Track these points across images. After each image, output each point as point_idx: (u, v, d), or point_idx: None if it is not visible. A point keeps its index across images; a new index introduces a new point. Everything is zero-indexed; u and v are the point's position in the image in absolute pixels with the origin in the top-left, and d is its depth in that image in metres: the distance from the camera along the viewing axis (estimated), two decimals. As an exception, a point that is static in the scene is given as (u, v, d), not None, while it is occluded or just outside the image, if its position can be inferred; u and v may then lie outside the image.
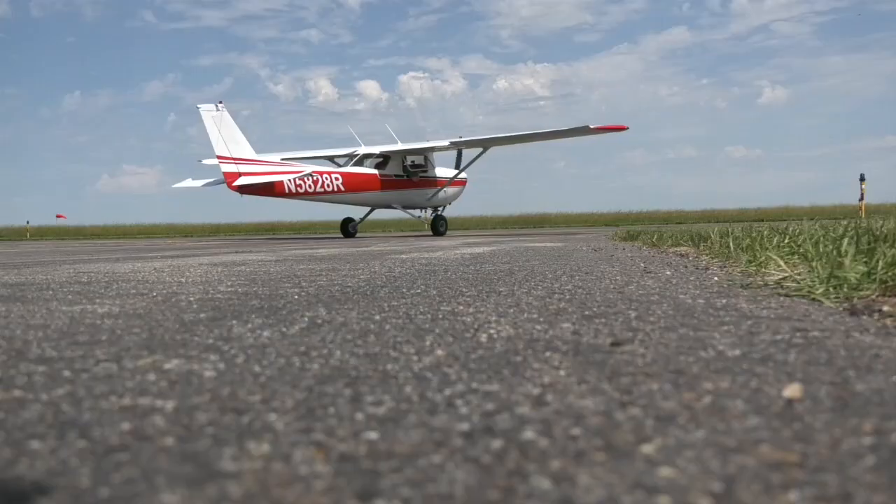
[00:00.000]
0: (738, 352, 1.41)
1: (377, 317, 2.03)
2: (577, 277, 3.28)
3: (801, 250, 3.13)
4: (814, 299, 2.16)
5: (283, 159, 17.30)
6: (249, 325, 1.90)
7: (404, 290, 2.84)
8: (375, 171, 17.19)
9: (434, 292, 2.72)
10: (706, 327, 1.72)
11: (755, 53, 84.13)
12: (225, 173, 15.91)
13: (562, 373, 1.25)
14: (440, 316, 2.03)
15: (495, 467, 0.79)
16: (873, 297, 2.07)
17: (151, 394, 1.15)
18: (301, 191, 16.35)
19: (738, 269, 3.32)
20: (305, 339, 1.66)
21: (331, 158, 18.20)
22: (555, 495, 0.71)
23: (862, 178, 21.18)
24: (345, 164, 17.54)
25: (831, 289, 2.20)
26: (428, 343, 1.58)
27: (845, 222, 4.74)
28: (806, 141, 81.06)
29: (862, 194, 20.95)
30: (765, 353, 1.38)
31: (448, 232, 18.40)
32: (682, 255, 4.92)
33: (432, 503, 0.70)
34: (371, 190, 17.08)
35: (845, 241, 2.85)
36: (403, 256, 5.83)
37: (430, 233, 17.27)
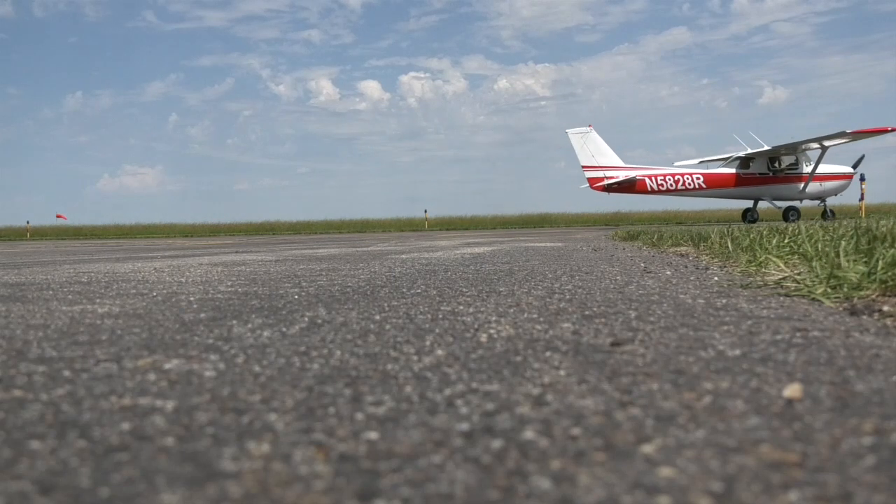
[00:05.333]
0: (738, 352, 1.41)
1: (377, 317, 2.03)
2: (577, 277, 3.28)
3: (801, 250, 3.13)
4: (814, 299, 2.16)
5: (700, 162, 21.41)
6: (249, 325, 1.90)
7: (404, 289, 2.84)
8: (734, 171, 20.38)
9: (434, 292, 2.72)
10: (706, 327, 1.72)
11: (755, 53, 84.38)
12: (588, 178, 20.59)
13: (562, 373, 1.25)
14: (440, 316, 2.03)
15: (495, 467, 0.79)
16: (873, 296, 2.07)
17: (151, 394, 1.15)
18: (663, 189, 20.78)
19: (738, 269, 3.32)
20: (305, 338, 1.66)
21: (743, 159, 21.04)
22: (555, 495, 0.71)
23: (862, 178, 21.29)
24: (724, 165, 20.66)
25: (831, 289, 2.20)
26: (428, 343, 1.58)
27: (845, 222, 4.74)
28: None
29: (862, 194, 21.06)
30: (765, 353, 1.38)
31: (448, 232, 20.04)
32: (682, 255, 4.92)
33: (432, 503, 0.70)
34: (728, 186, 20.57)
35: (843, 241, 2.85)
36: (403, 256, 5.83)
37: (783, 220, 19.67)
